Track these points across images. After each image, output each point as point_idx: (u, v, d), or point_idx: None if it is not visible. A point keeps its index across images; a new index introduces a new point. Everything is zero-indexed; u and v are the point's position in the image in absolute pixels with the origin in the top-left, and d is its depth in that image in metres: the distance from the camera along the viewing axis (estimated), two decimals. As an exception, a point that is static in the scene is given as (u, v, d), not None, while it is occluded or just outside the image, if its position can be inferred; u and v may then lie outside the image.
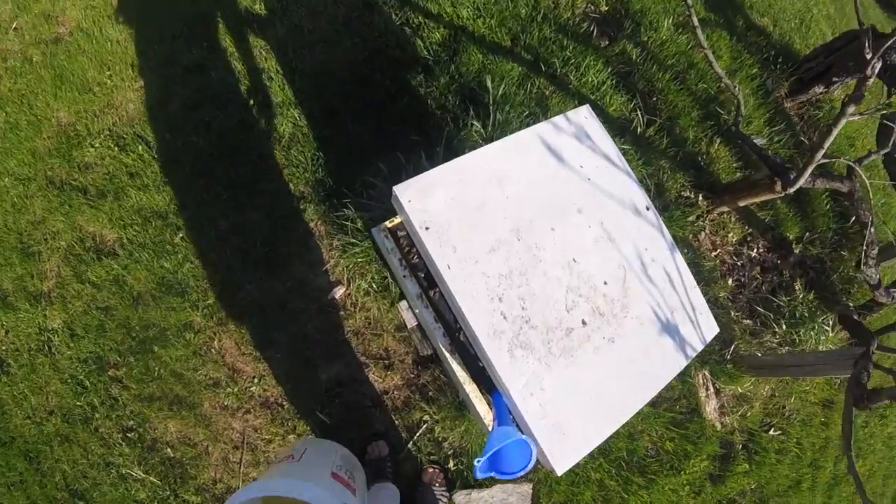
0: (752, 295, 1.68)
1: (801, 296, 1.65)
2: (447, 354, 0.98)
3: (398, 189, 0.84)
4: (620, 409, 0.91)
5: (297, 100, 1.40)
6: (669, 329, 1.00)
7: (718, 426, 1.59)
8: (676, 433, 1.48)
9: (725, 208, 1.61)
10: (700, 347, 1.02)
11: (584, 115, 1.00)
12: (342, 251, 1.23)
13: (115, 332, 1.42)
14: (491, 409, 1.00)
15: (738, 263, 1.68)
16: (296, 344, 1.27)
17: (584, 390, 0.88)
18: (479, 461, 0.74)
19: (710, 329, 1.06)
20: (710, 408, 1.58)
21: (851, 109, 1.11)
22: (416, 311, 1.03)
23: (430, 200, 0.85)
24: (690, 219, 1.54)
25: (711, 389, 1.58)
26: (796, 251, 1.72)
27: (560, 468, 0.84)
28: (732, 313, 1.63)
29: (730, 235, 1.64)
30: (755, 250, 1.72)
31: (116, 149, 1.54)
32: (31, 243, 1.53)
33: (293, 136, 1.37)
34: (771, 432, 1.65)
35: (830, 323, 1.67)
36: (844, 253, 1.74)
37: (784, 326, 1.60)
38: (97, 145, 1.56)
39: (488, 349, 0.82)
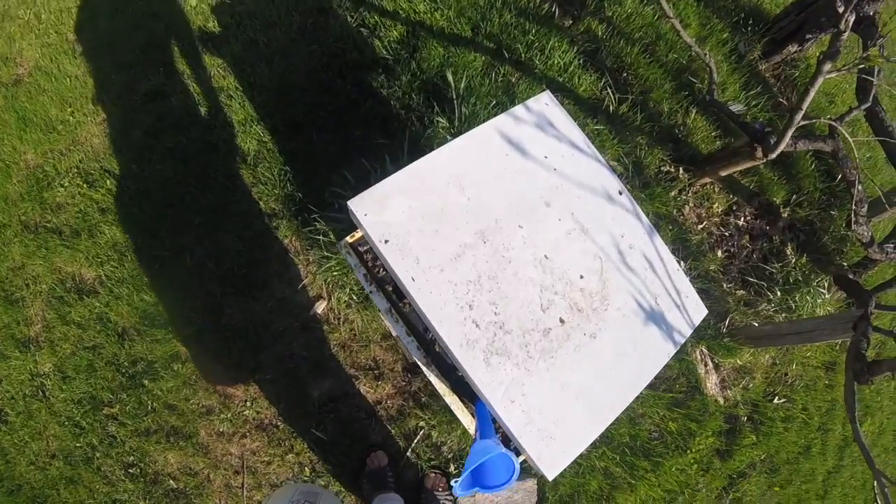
0: (743, 265, 1.66)
1: (794, 260, 1.61)
2: (424, 368, 0.97)
3: (353, 203, 0.80)
4: (610, 406, 0.87)
5: (259, 115, 1.38)
6: (655, 317, 0.95)
7: (721, 401, 1.57)
8: (679, 413, 1.46)
9: (708, 179, 1.58)
10: (688, 332, 0.97)
11: (544, 102, 0.96)
12: (318, 266, 1.22)
13: (104, 370, 1.42)
14: (475, 418, 0.99)
15: (726, 234, 1.65)
16: (283, 363, 1.27)
17: (569, 391, 0.84)
18: (456, 481, 0.73)
19: (698, 311, 1.01)
20: (711, 383, 1.56)
21: (828, 67, 1.07)
22: (388, 325, 1.02)
23: (387, 212, 0.80)
24: (673, 194, 1.51)
25: (710, 365, 1.57)
26: (784, 215, 1.69)
27: (551, 473, 0.81)
28: (725, 285, 1.60)
29: (715, 206, 1.62)
30: (742, 219, 1.69)
31: (85, 186, 1.53)
32: (13, 290, 1.52)
33: (258, 153, 1.35)
34: (775, 401, 1.63)
35: (826, 285, 1.64)
36: (834, 212, 1.70)
37: (779, 293, 1.58)
38: (66, 184, 1.54)
39: (463, 360, 0.78)
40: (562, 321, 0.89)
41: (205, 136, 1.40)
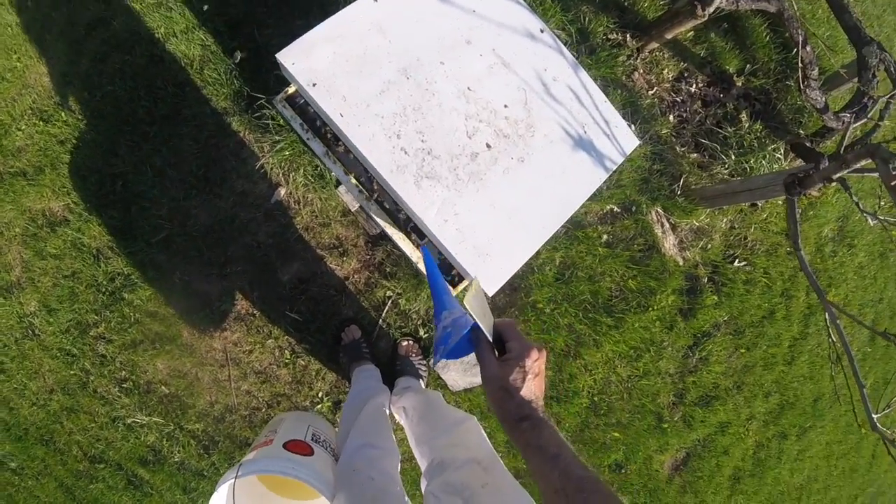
0: (695, 129, 1.72)
1: (748, 125, 1.68)
2: (365, 205, 1.06)
3: (280, 56, 0.89)
4: (543, 225, 0.97)
5: (200, 21, 1.46)
6: (583, 144, 1.03)
7: (680, 261, 1.66)
8: (637, 270, 1.56)
9: (655, 44, 1.64)
10: (620, 160, 1.06)
11: None
12: (271, 149, 1.32)
13: (85, 293, 1.53)
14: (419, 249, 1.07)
15: (678, 100, 1.72)
16: (252, 254, 1.37)
17: (501, 211, 0.94)
18: (435, 360, 0.75)
19: (629, 141, 1.09)
20: (669, 244, 1.65)
21: None
22: (328, 169, 1.12)
23: (313, 59, 0.89)
24: (621, 59, 1.59)
25: (667, 225, 1.66)
26: (738, 84, 1.76)
27: (490, 289, 0.91)
28: (678, 148, 1.68)
29: (665, 72, 1.69)
30: (694, 86, 1.76)
31: (42, 123, 1.62)
32: None
33: (203, 57, 1.43)
34: (736, 263, 1.72)
35: (783, 151, 1.72)
36: (790, 83, 1.74)
37: (733, 157, 1.65)
38: (23, 127, 1.63)
39: (394, 184, 0.88)
40: (488, 146, 0.99)
41: (150, 50, 1.48)
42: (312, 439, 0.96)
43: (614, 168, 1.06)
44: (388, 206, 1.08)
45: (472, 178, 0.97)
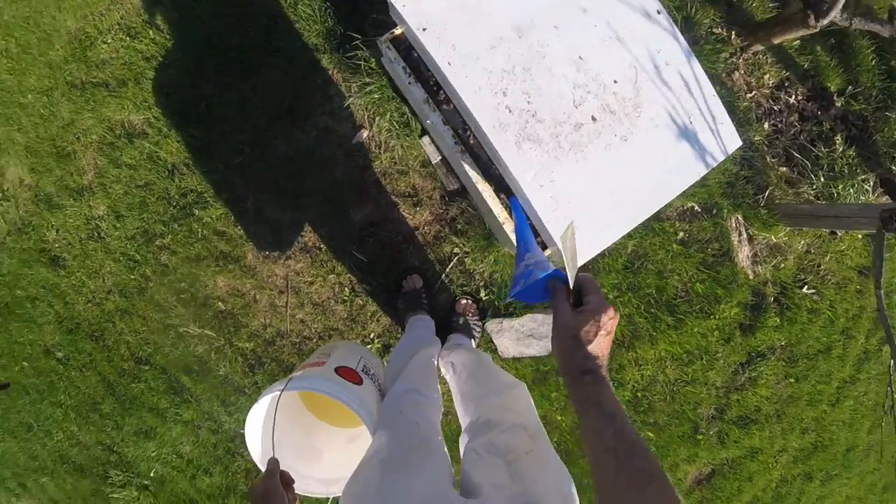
0: (789, 142, 1.68)
1: (842, 150, 1.63)
2: (458, 157, 1.08)
3: None
4: (637, 207, 0.96)
5: (299, -49, 1.46)
6: (687, 135, 1.01)
7: (750, 274, 1.65)
8: (707, 275, 1.56)
9: (760, 47, 1.60)
10: (721, 158, 1.04)
11: None
12: (360, 93, 1.34)
13: (156, 205, 1.60)
14: (507, 210, 1.10)
15: (776, 108, 1.68)
16: (327, 190, 1.42)
17: (597, 186, 0.93)
18: (512, 292, 0.69)
19: (732, 140, 1.06)
20: (743, 254, 1.65)
21: None
22: (426, 120, 1.13)
23: (426, 2, 0.89)
24: (723, 55, 1.55)
25: (744, 235, 1.64)
26: (838, 104, 1.69)
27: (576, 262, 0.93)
28: (768, 158, 1.65)
29: (766, 77, 1.64)
30: (793, 97, 1.71)
31: (128, 38, 1.65)
32: (65, 145, 1.69)
33: (298, -10, 1.44)
34: (804, 290, 1.67)
35: (871, 184, 1.64)
36: (890, 114, 1.69)
37: (822, 178, 1.59)
38: (109, 41, 1.66)
39: (495, 142, 0.88)
40: (594, 119, 0.98)
41: (246, -22, 1.49)
42: (363, 370, 0.97)
43: (714, 165, 1.03)
44: (481, 161, 1.10)
45: (574, 149, 0.97)
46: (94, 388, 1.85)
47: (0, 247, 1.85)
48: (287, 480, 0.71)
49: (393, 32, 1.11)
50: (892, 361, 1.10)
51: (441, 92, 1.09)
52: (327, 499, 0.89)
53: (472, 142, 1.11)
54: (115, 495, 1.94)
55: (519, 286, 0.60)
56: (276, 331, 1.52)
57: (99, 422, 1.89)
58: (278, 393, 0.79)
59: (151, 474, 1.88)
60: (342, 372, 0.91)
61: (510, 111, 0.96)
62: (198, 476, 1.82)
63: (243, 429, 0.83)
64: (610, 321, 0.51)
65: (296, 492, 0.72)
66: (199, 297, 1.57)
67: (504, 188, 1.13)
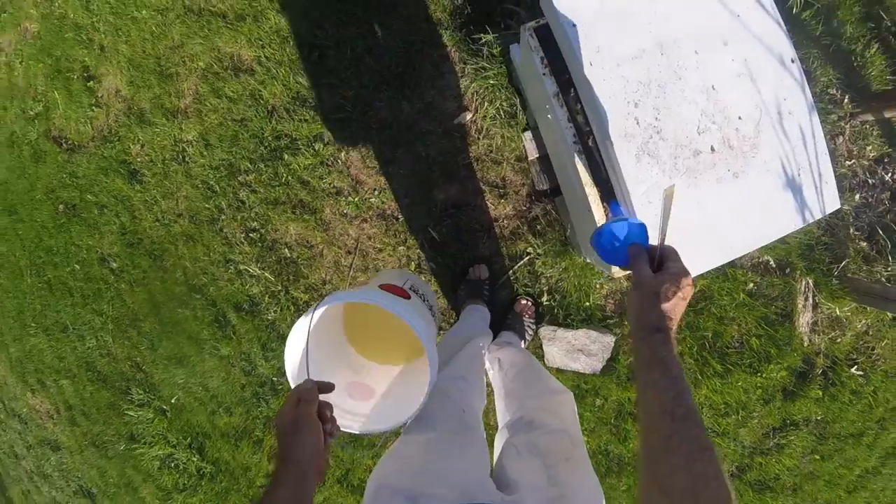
0: (875, 218, 1.68)
1: None
2: (574, 156, 1.10)
3: None
4: (731, 245, 0.99)
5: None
6: (793, 186, 1.04)
7: (806, 342, 1.65)
8: (765, 332, 1.57)
9: (870, 117, 1.59)
10: (818, 216, 1.06)
11: None
12: (474, 76, 1.37)
13: (247, 141, 1.66)
14: (607, 214, 1.11)
15: (870, 182, 1.67)
16: (418, 163, 1.46)
17: (701, 215, 0.96)
18: (593, 238, 0.69)
19: (833, 201, 1.08)
20: (804, 319, 1.64)
21: None
22: (548, 114, 1.16)
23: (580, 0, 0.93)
24: (832, 117, 1.55)
25: (811, 300, 1.64)
26: None
27: None
28: (851, 230, 1.64)
29: (868, 149, 1.64)
30: (890, 174, 1.70)
31: (258, -26, 1.72)
32: (170, 66, 1.77)
33: (436, -39, 1.49)
34: (853, 370, 1.68)
35: None
36: None
37: None
38: None
39: (618, 149, 0.92)
40: (713, 149, 1.01)
41: (386, -61, 1.55)
42: (410, 289, 0.93)
43: (811, 221, 1.07)
44: (594, 164, 1.12)
45: (688, 173, 1.00)
46: (140, 305, 1.91)
47: (81, 150, 1.93)
48: (324, 412, 0.60)
49: (538, 21, 1.14)
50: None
51: (572, 90, 1.12)
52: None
53: (590, 144, 1.12)
54: (131, 412, 2.00)
55: (604, 233, 0.63)
56: (333, 288, 1.56)
57: (135, 338, 1.96)
58: (323, 308, 0.71)
59: (173, 400, 1.94)
60: (387, 288, 0.87)
61: (638, 123, 0.98)
62: (217, 413, 1.86)
63: (278, 371, 0.76)
64: (688, 287, 0.52)
65: (337, 425, 0.63)
66: (268, 239, 1.63)
67: (607, 196, 1.14)
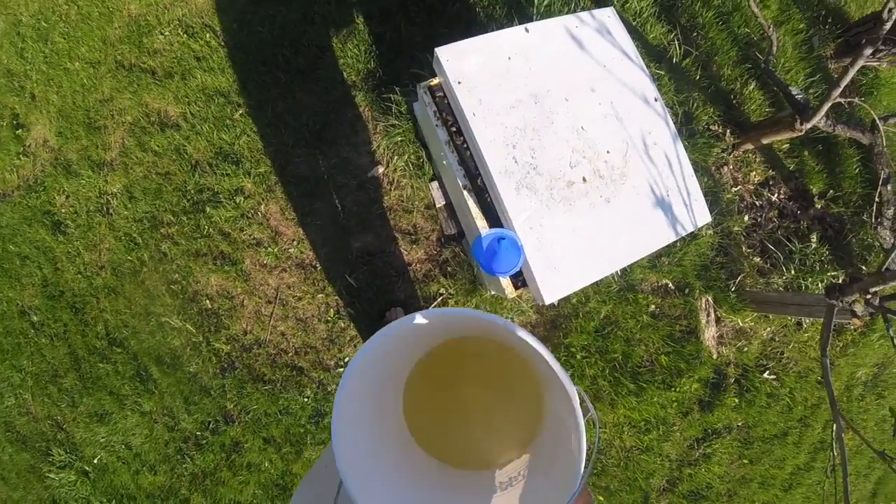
0: (766, 235, 1.87)
1: (815, 247, 1.84)
2: (465, 193, 1.24)
3: (439, 50, 1.10)
4: (609, 260, 1.15)
5: (357, 0, 1.69)
6: (663, 205, 1.22)
7: (714, 354, 1.79)
8: (672, 348, 1.70)
9: (750, 146, 1.81)
10: (690, 229, 1.23)
11: (607, 15, 1.24)
12: (385, 133, 1.51)
13: (171, 194, 1.74)
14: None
15: (757, 203, 1.88)
16: (334, 214, 1.56)
17: (579, 237, 1.13)
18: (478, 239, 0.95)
19: (703, 216, 1.26)
20: (709, 334, 1.79)
21: (868, 52, 1.31)
22: (443, 160, 1.30)
23: (464, 62, 1.11)
24: (715, 150, 1.76)
25: (713, 316, 1.79)
26: (818, 206, 1.91)
27: (549, 298, 1.09)
28: (744, 248, 1.83)
29: (752, 175, 1.85)
30: (776, 195, 1.91)
31: (185, 36, 1.85)
32: (98, 118, 1.85)
33: (350, 30, 1.65)
34: (765, 375, 1.84)
35: (841, 280, 1.84)
36: (867, 219, 1.89)
37: (793, 271, 1.80)
38: (167, 33, 1.87)
39: (499, 184, 1.08)
40: (584, 179, 1.18)
41: (304, 8, 1.72)
42: None
43: (684, 234, 1.23)
44: (484, 201, 1.25)
45: (564, 202, 1.15)
46: (60, 360, 1.90)
47: (6, 199, 1.96)
48: None
49: (430, 82, 1.30)
50: (833, 426, 1.19)
51: (461, 137, 1.26)
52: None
53: (479, 183, 1.25)
54: (52, 475, 1.94)
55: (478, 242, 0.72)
56: (255, 338, 1.61)
57: (56, 395, 1.93)
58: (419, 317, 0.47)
59: (95, 461, 1.89)
60: None
61: (516, 161, 1.13)
62: (142, 472, 1.83)
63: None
64: None
65: None
66: (189, 291, 1.68)
67: (494, 225, 1.27)
